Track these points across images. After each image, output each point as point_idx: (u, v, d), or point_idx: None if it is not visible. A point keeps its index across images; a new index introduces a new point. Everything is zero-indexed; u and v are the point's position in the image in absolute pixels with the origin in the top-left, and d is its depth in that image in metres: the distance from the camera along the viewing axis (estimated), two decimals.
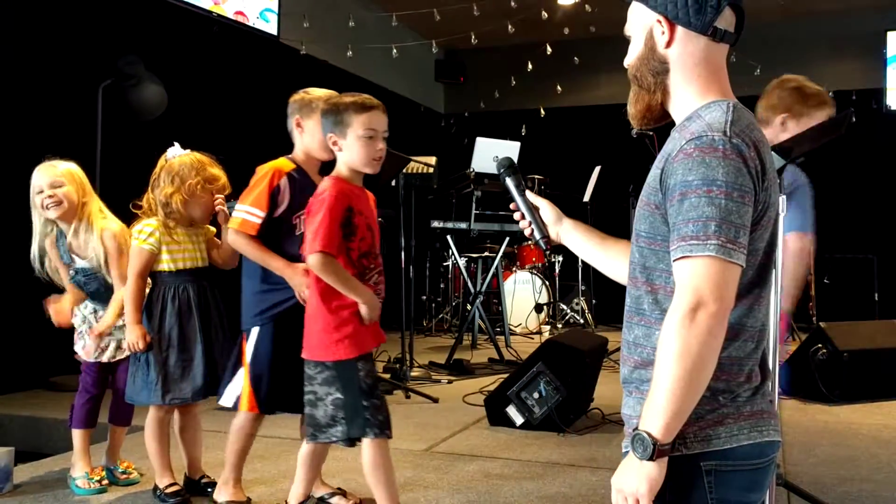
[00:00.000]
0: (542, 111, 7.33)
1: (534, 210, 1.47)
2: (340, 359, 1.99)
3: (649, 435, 1.05)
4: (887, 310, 6.58)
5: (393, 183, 4.15)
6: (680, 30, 1.18)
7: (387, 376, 4.08)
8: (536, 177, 6.17)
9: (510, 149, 5.18)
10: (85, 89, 4.16)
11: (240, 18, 5.08)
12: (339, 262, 1.99)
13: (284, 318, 2.23)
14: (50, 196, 2.45)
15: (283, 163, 2.31)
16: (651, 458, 1.05)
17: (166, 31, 4.80)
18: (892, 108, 7.16)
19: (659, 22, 1.19)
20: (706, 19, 1.17)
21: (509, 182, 1.51)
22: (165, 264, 2.37)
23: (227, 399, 2.32)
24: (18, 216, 4.02)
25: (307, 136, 2.30)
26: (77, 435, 2.55)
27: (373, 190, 3.69)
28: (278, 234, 2.25)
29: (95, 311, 2.53)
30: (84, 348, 2.53)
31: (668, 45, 1.19)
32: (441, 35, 6.68)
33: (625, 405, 1.22)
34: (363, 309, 2.00)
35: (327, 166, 2.31)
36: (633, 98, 1.25)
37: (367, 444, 2.02)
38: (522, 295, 6.45)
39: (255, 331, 2.26)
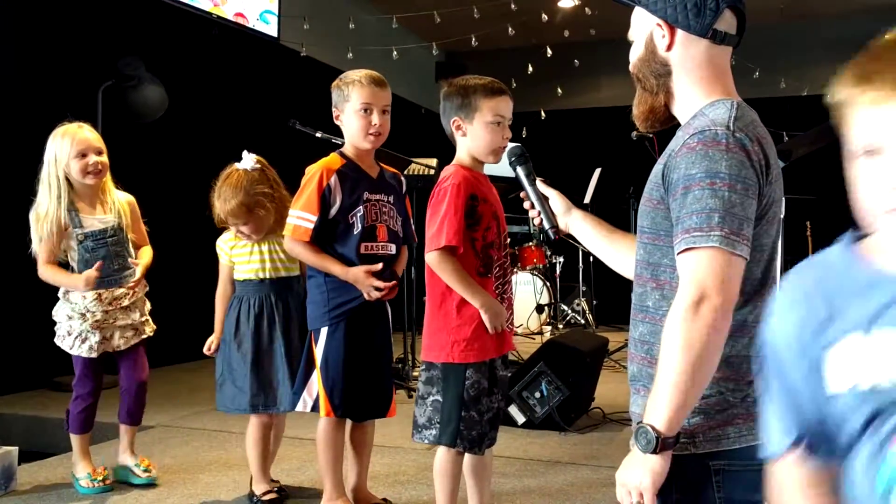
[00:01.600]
0: (543, 113, 7.34)
1: (543, 199, 1.47)
2: (448, 362, 1.92)
3: (653, 428, 1.04)
4: None
5: None
6: (680, 33, 1.19)
7: None
8: (537, 178, 6.19)
9: (510, 150, 5.19)
10: (85, 90, 4.17)
11: (240, 20, 5.09)
12: (457, 262, 1.90)
13: (354, 318, 2.16)
14: (96, 162, 2.41)
15: (331, 160, 2.21)
16: (655, 452, 1.04)
17: (167, 33, 4.82)
18: None
19: (659, 26, 1.20)
20: (705, 22, 1.17)
21: (520, 171, 1.51)
22: (235, 273, 2.43)
23: (302, 404, 2.24)
24: (20, 216, 4.03)
25: (346, 127, 2.22)
26: (75, 439, 2.53)
27: None
28: (334, 235, 2.17)
29: (99, 297, 2.41)
30: (67, 340, 2.44)
31: (669, 48, 1.19)
32: (441, 37, 6.70)
33: (633, 403, 1.21)
34: (484, 316, 1.88)
35: (376, 156, 2.28)
36: (638, 100, 1.26)
37: (443, 450, 1.95)
38: (524, 296, 6.47)
39: (324, 331, 2.17)
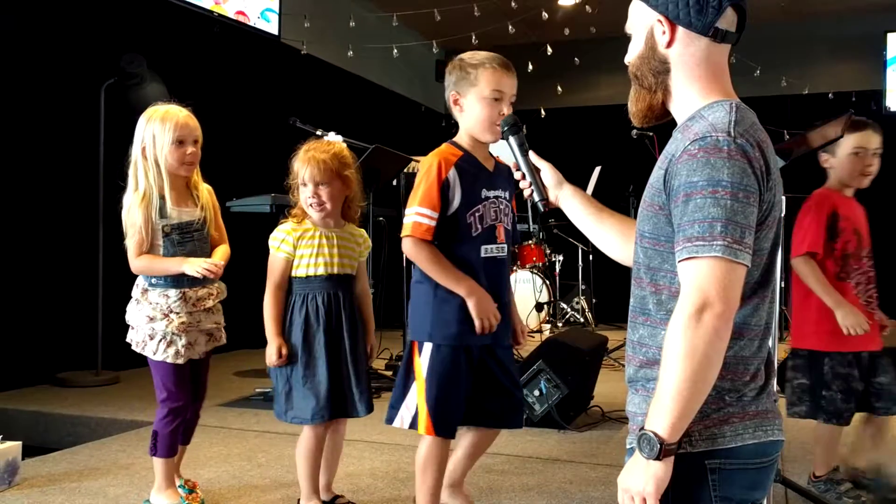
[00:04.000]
0: (543, 112, 7.35)
1: (535, 171, 1.46)
2: (812, 349, 2.36)
3: (656, 435, 1.05)
4: (886, 310, 6.59)
5: (394, 182, 4.17)
6: (681, 30, 1.17)
7: (388, 374, 4.11)
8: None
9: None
10: (88, 89, 4.18)
11: (241, 18, 5.10)
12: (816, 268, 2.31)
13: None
14: (193, 152, 2.20)
15: (446, 150, 1.98)
16: (658, 458, 1.05)
17: (169, 31, 4.83)
18: (892, 109, 7.18)
19: (660, 22, 1.18)
20: (707, 20, 1.16)
21: (512, 141, 1.50)
22: (297, 269, 2.14)
23: (400, 419, 2.00)
24: (24, 214, 4.05)
25: (467, 114, 1.97)
26: (161, 464, 2.23)
27: (373, 190, 3.72)
28: (454, 235, 1.94)
29: (183, 297, 2.16)
30: (149, 345, 2.16)
31: (669, 45, 1.18)
32: (441, 35, 6.70)
33: (630, 403, 1.22)
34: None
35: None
36: (634, 97, 1.25)
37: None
38: (523, 294, 6.48)
39: (428, 346, 1.95)
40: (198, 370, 2.29)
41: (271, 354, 2.10)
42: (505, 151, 1.95)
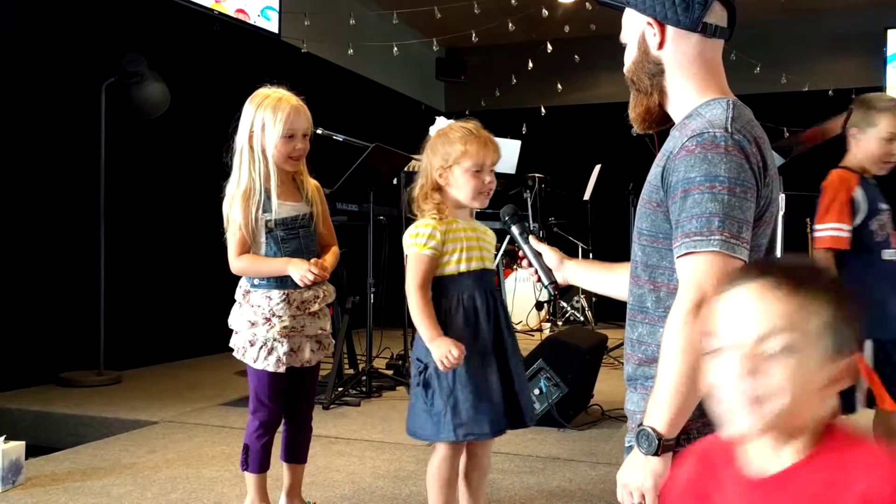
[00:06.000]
0: (543, 109, 7.35)
1: (538, 256, 1.49)
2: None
3: (654, 430, 1.06)
4: None
5: (394, 181, 4.18)
6: (670, 29, 1.19)
7: (389, 373, 4.12)
8: (537, 175, 6.21)
9: (511, 147, 5.20)
10: (88, 87, 4.19)
11: (241, 17, 5.10)
12: None
13: None
14: (302, 147, 2.02)
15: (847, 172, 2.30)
16: (656, 454, 1.06)
17: (169, 30, 4.83)
18: None
19: (649, 24, 1.20)
20: (694, 16, 1.17)
21: (514, 230, 1.54)
22: (446, 267, 1.89)
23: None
24: (25, 214, 4.06)
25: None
26: (254, 479, 2.05)
27: (373, 189, 3.72)
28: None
29: (287, 299, 1.98)
30: (249, 352, 1.99)
31: (661, 46, 1.20)
32: (442, 33, 6.70)
33: (628, 401, 1.23)
34: None
35: None
36: (633, 102, 1.27)
37: None
38: (523, 293, 6.49)
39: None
40: (304, 380, 2.09)
41: (443, 356, 1.76)
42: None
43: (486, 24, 6.39)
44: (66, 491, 2.45)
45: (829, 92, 7.21)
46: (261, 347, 1.98)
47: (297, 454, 2.14)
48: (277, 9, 5.36)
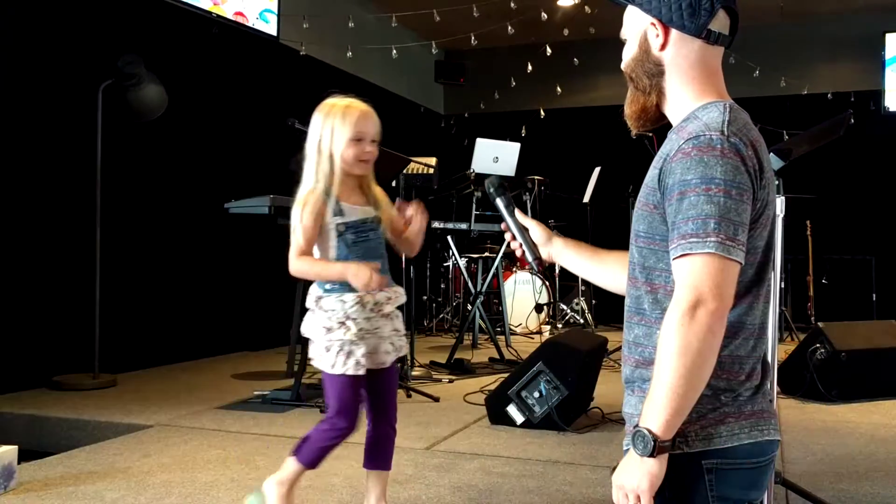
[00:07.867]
0: (542, 112, 7.34)
1: (524, 231, 1.47)
2: None
3: (650, 432, 1.06)
4: (885, 310, 6.60)
5: (393, 184, 4.16)
6: (674, 33, 1.19)
7: None
8: (536, 178, 6.20)
9: (510, 150, 5.19)
10: (85, 89, 4.17)
11: (239, 19, 5.09)
12: None
13: None
14: (370, 152, 2.05)
15: None
16: (652, 455, 1.06)
17: (167, 32, 4.82)
18: (891, 109, 7.18)
19: (653, 25, 1.20)
20: (700, 22, 1.18)
21: (500, 202, 1.51)
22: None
23: None
24: (21, 215, 4.04)
25: None
26: (293, 469, 2.02)
27: None
28: None
29: (360, 301, 1.97)
30: (326, 358, 1.98)
31: (663, 47, 1.20)
32: (441, 36, 6.69)
33: (626, 404, 1.23)
34: None
35: None
36: (630, 99, 1.27)
37: None
38: (523, 295, 6.48)
39: None
40: (384, 381, 2.07)
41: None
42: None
43: (486, 27, 6.39)
44: (60, 496, 2.42)
45: (828, 95, 7.22)
46: (338, 353, 1.96)
47: (383, 459, 2.10)
48: (276, 11, 5.36)
